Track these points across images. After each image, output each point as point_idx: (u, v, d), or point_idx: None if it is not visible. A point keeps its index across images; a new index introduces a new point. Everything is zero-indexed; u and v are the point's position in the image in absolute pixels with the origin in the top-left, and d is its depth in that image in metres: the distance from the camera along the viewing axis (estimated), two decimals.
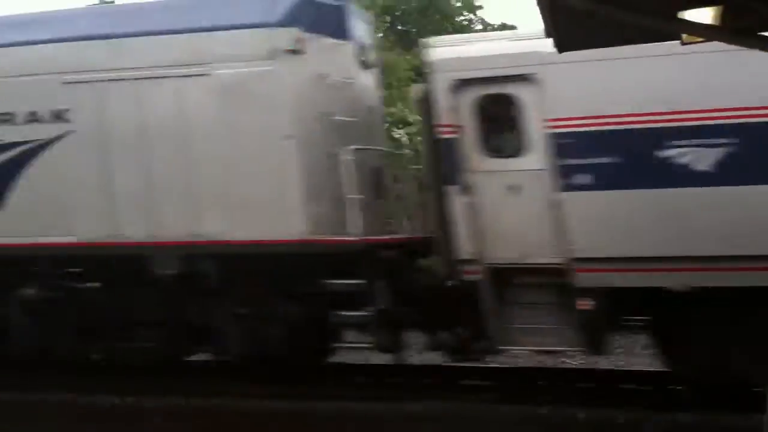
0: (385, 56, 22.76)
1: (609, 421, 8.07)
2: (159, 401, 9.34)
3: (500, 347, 9.24)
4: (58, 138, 9.90)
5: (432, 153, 9.18)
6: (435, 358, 10.15)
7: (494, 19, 36.46)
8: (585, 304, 8.36)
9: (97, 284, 10.12)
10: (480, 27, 34.19)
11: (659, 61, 7.79)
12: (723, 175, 7.94)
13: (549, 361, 10.70)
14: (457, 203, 8.83)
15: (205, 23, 9.68)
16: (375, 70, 10.89)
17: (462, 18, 34.18)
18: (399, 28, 31.30)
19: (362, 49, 10.46)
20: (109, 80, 9.76)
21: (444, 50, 9.18)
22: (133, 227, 9.63)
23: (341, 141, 9.32)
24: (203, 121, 9.45)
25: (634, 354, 11.30)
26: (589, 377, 9.97)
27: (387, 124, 23.43)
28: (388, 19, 25.65)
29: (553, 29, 5.30)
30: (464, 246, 8.83)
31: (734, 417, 7.46)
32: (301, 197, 9.16)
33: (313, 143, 9.39)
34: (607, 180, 8.30)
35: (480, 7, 35.16)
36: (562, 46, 5.86)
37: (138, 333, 10.01)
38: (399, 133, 24.40)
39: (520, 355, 10.52)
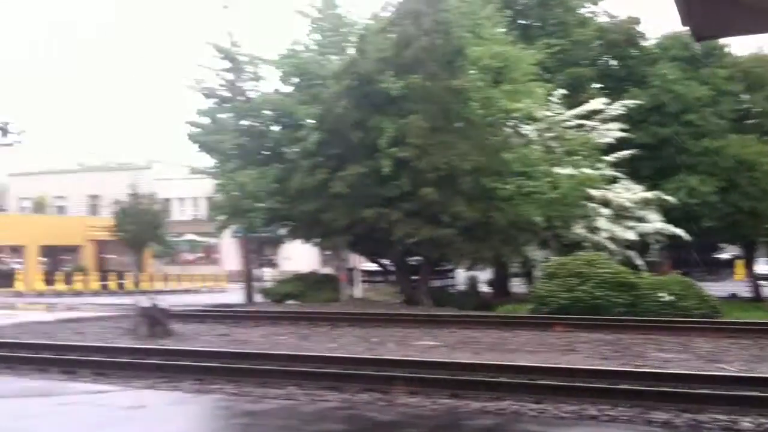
0: (509, 51, 22.48)
1: None
2: None
3: None
4: None
5: None
6: None
7: (618, 11, 35.26)
8: None
9: None
10: (605, 19, 33.35)
11: None
12: None
13: None
14: None
15: None
16: None
17: (585, 10, 33.35)
18: (520, 22, 30.98)
19: None
20: None
21: None
22: None
23: None
24: None
25: None
26: None
27: (514, 121, 23.23)
28: (509, 13, 25.33)
29: (687, 17, 5.23)
30: None
31: None
32: None
33: None
34: None
35: None
36: (698, 35, 5.76)
37: None
38: (527, 130, 24.00)
39: None
